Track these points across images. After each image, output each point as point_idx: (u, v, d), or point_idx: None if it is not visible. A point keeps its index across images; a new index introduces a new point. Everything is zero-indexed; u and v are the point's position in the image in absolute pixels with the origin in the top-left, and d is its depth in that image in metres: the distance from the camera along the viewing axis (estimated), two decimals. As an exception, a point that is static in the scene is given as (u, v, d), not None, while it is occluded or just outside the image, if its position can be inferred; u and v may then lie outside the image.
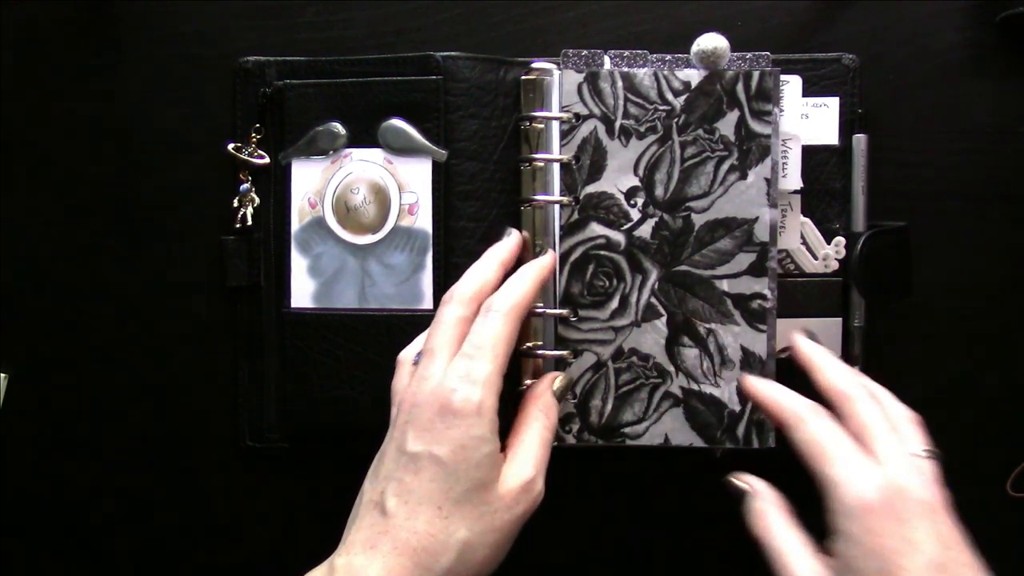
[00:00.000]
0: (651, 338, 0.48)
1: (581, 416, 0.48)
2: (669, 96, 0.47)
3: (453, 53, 0.49)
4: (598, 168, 0.47)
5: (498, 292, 0.42)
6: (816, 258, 0.50)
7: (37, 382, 0.53)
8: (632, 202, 0.48)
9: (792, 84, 0.49)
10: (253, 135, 0.51)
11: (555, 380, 0.45)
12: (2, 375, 0.53)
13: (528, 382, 0.49)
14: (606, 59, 0.48)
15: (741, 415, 0.47)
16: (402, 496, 0.38)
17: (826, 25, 0.50)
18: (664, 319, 0.47)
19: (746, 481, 0.43)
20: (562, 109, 0.48)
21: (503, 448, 0.41)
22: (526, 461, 0.41)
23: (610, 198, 0.48)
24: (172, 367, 0.52)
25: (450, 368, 0.40)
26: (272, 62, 0.51)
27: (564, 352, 0.48)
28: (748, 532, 0.42)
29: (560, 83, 0.48)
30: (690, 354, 0.47)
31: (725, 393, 0.47)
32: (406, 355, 0.44)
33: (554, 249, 0.48)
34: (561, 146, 0.48)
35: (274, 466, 0.52)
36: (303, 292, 0.50)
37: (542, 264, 0.45)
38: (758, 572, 0.53)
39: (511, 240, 0.46)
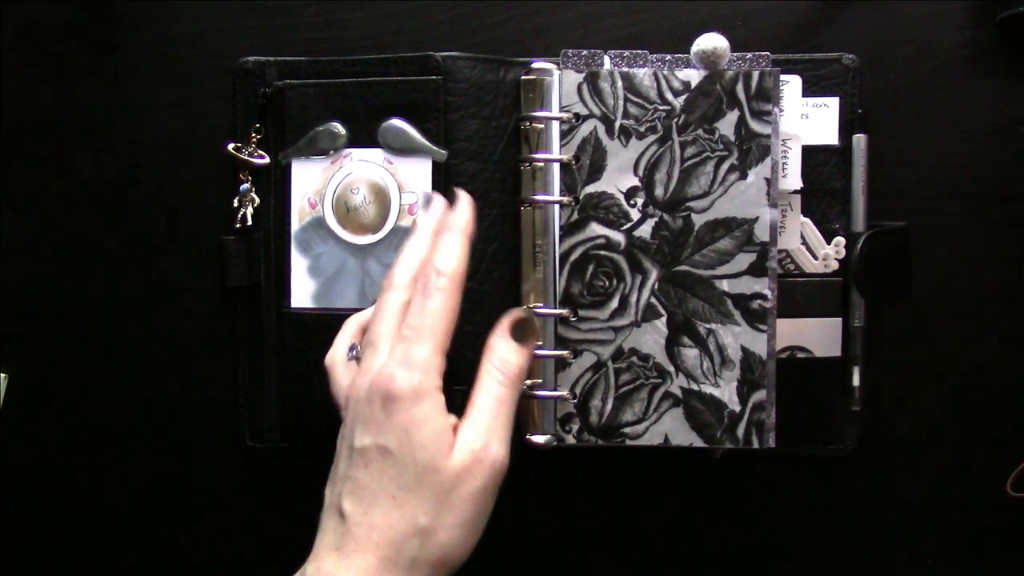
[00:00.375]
0: (651, 338, 0.48)
1: (581, 416, 0.48)
2: (669, 96, 0.47)
3: (453, 53, 0.49)
4: (598, 168, 0.47)
5: (429, 265, 0.40)
6: (816, 258, 0.50)
7: (37, 382, 0.53)
8: (632, 202, 0.48)
9: (792, 84, 0.49)
10: (253, 135, 0.51)
11: (511, 322, 0.42)
12: (2, 375, 0.53)
13: (528, 382, 0.49)
14: (606, 59, 0.48)
15: (741, 415, 0.47)
16: (356, 493, 0.38)
17: (826, 25, 0.51)
18: (664, 319, 0.48)
19: None
20: (562, 109, 0.48)
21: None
22: (475, 429, 0.39)
23: (610, 198, 0.48)
24: (172, 367, 0.52)
25: (391, 353, 0.39)
26: (272, 62, 0.51)
27: (564, 352, 0.48)
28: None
29: (560, 83, 0.48)
30: (690, 354, 0.47)
31: (725, 393, 0.47)
32: (333, 358, 0.43)
33: (554, 250, 0.48)
34: (561, 146, 0.48)
35: (274, 466, 0.52)
36: (303, 292, 0.50)
37: (462, 219, 0.41)
38: (758, 572, 0.53)
39: (436, 206, 0.43)
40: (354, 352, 0.42)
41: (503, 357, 0.41)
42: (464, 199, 0.42)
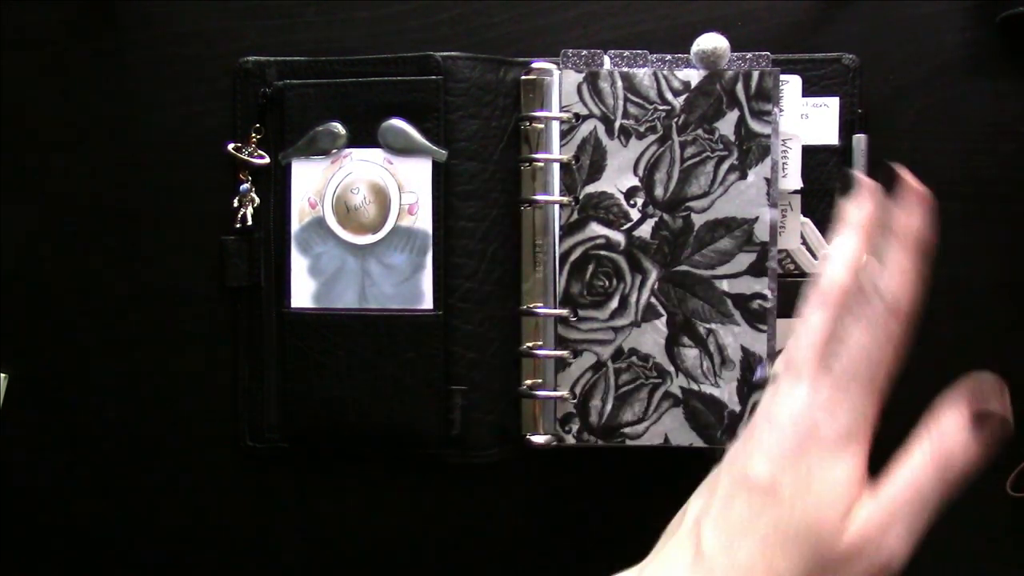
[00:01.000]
0: (651, 338, 0.48)
1: (581, 416, 0.48)
2: (669, 96, 0.47)
3: (453, 53, 0.49)
4: (598, 168, 0.47)
5: (867, 282, 0.34)
6: (816, 258, 0.50)
7: (37, 382, 0.53)
8: (632, 202, 0.48)
9: (792, 84, 0.49)
10: (253, 135, 0.51)
11: (979, 409, 0.34)
12: (2, 375, 0.53)
13: (528, 382, 0.49)
14: (606, 59, 0.48)
15: (741, 415, 0.47)
16: (726, 522, 0.33)
17: (826, 25, 0.50)
18: (664, 319, 0.48)
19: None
20: (562, 109, 0.48)
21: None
22: (881, 510, 0.32)
23: (610, 198, 0.48)
24: (172, 367, 0.52)
25: (814, 391, 0.33)
26: (272, 62, 0.51)
27: (564, 352, 0.48)
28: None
29: (560, 83, 0.48)
30: (690, 354, 0.47)
31: (725, 393, 0.47)
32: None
33: (554, 250, 0.48)
34: (561, 146, 0.48)
35: (274, 466, 0.52)
36: (303, 292, 0.50)
37: (913, 226, 0.34)
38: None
39: (863, 197, 0.35)
40: (761, 374, 0.38)
41: (946, 440, 0.34)
42: (915, 193, 0.34)
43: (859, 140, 0.49)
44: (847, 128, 0.50)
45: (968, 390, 0.34)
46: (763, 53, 0.48)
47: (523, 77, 0.48)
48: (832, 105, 0.50)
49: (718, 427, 0.47)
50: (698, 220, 0.47)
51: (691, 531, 0.34)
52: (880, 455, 0.40)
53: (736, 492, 0.33)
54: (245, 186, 0.51)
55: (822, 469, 0.32)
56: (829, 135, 0.50)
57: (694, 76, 0.47)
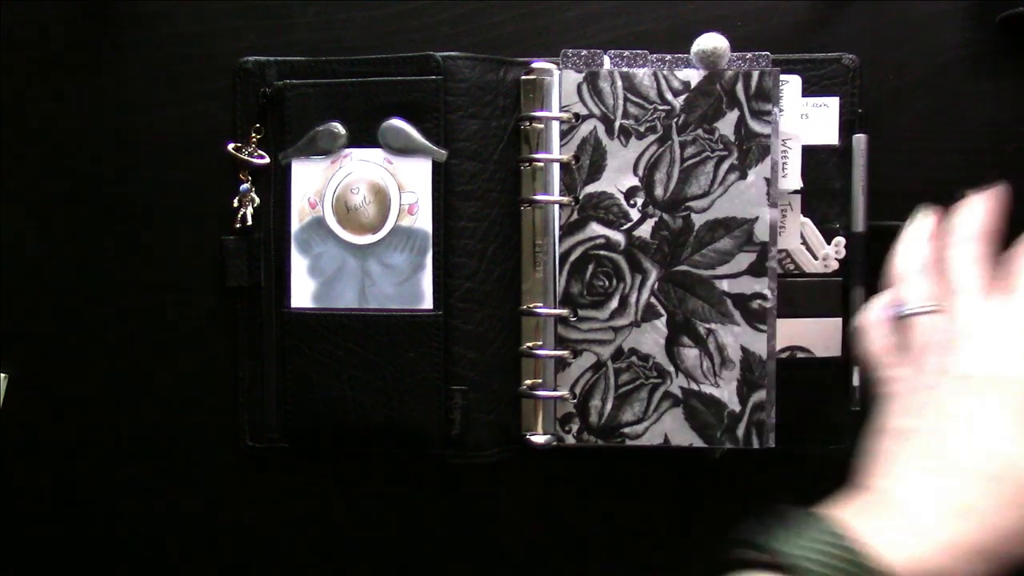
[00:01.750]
0: (651, 338, 0.48)
1: (581, 416, 0.48)
2: (669, 96, 0.47)
3: (453, 53, 0.49)
4: (598, 168, 0.48)
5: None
6: (816, 258, 0.50)
7: (37, 382, 0.53)
8: (632, 202, 0.48)
9: (792, 84, 0.49)
10: (253, 135, 0.51)
11: None
12: (2, 375, 0.53)
13: (528, 382, 0.49)
14: (606, 59, 0.48)
15: (741, 415, 0.47)
16: (960, 415, 0.34)
17: (826, 25, 0.50)
18: (664, 319, 0.48)
19: None
20: (562, 109, 0.48)
21: None
22: None
23: (610, 198, 0.48)
24: (172, 367, 0.52)
25: (1007, 304, 0.37)
26: (272, 62, 0.51)
27: (564, 352, 0.48)
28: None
29: (560, 83, 0.48)
30: (690, 354, 0.47)
31: (725, 393, 0.47)
32: (872, 316, 0.43)
33: (554, 250, 0.48)
34: (561, 146, 0.48)
35: (274, 466, 0.52)
36: (303, 292, 0.50)
37: (984, 206, 0.42)
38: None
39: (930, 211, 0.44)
40: (897, 311, 0.42)
41: None
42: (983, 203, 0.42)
43: (859, 140, 0.49)
44: (847, 128, 0.50)
45: None
46: (763, 53, 0.48)
47: (523, 77, 0.48)
48: (832, 105, 0.50)
49: (718, 427, 0.47)
50: (698, 220, 0.47)
51: (913, 431, 0.36)
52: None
53: (955, 390, 0.35)
54: (245, 186, 0.51)
55: None
56: (829, 135, 0.50)
57: (694, 76, 0.47)
